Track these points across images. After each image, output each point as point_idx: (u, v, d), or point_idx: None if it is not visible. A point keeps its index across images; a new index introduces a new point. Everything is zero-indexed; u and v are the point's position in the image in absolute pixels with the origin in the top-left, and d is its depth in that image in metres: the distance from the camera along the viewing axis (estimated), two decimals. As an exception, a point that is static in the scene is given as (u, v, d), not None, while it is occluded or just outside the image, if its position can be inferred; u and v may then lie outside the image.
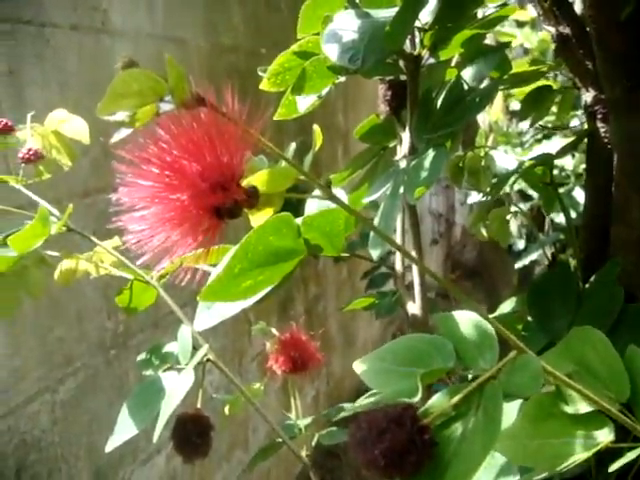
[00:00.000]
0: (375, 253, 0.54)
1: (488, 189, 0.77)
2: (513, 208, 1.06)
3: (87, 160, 1.18)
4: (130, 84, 0.32)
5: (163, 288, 0.77)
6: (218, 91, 0.35)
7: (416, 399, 0.37)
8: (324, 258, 2.25)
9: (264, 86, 0.63)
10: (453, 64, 0.66)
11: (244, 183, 0.36)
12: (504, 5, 0.61)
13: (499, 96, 1.13)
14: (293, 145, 0.42)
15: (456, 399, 0.37)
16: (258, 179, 0.38)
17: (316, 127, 0.42)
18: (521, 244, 1.80)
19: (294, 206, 0.68)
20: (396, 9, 0.49)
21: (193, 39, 1.54)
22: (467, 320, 0.42)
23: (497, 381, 0.37)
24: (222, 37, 1.66)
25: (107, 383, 1.30)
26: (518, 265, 1.76)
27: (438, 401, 0.38)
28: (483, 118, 1.77)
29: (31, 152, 0.79)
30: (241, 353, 1.74)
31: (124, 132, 0.36)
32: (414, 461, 0.34)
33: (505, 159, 0.87)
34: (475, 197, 0.95)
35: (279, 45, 0.65)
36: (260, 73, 0.65)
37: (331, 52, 0.48)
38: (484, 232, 0.77)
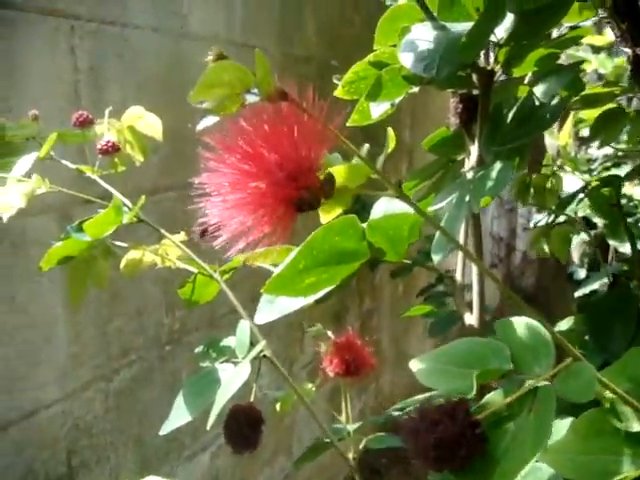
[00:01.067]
0: (437, 258, 0.55)
1: (553, 208, 0.78)
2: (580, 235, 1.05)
3: (157, 158, 1.23)
4: (221, 74, 0.34)
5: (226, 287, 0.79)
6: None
7: (470, 396, 0.39)
8: (381, 272, 2.26)
9: (338, 93, 0.65)
10: (526, 82, 0.67)
11: (322, 174, 0.38)
12: (575, 27, 0.62)
13: (568, 121, 1.13)
14: (366, 146, 0.44)
15: (510, 399, 0.38)
16: (334, 172, 0.40)
17: (390, 130, 0.44)
18: (582, 273, 1.77)
19: (364, 207, 0.70)
20: (472, 23, 0.51)
21: (267, 47, 1.58)
22: (525, 326, 0.43)
23: (551, 385, 0.38)
24: (295, 47, 1.70)
25: (160, 378, 1.34)
26: (577, 294, 1.74)
27: (492, 400, 0.39)
28: (551, 143, 1.76)
29: (109, 144, 0.83)
30: (292, 359, 1.76)
31: (211, 120, 0.38)
32: (464, 454, 0.36)
33: (572, 181, 0.87)
34: (538, 219, 0.95)
35: (350, 58, 0.67)
36: (335, 81, 0.67)
37: (407, 60, 0.49)
38: (545, 248, 0.78)
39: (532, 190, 0.78)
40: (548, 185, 0.78)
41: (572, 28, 0.65)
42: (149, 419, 1.31)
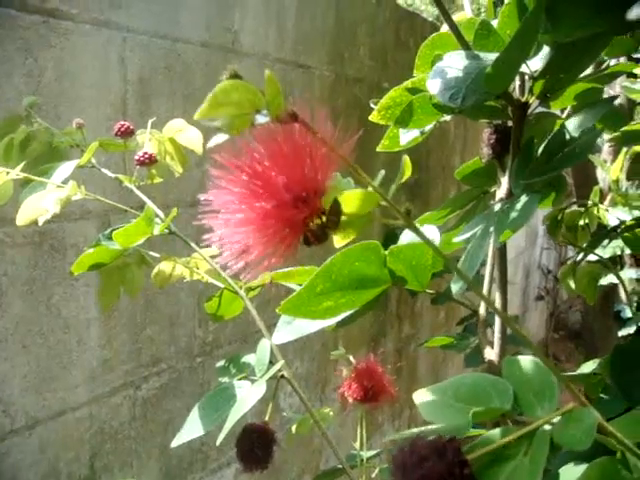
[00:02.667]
0: (455, 288, 0.55)
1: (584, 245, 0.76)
2: (627, 273, 1.02)
3: (199, 172, 1.24)
4: (230, 93, 0.35)
5: (256, 304, 0.80)
6: (336, 119, 0.37)
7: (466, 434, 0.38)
8: (422, 298, 2.25)
9: (373, 118, 0.65)
10: (564, 115, 0.66)
11: (326, 201, 0.38)
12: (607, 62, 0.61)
13: (621, 155, 1.11)
14: (382, 172, 0.44)
15: (505, 440, 0.38)
16: (341, 199, 0.40)
17: (405, 157, 0.43)
18: (629, 312, 1.72)
19: (396, 235, 0.70)
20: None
21: (318, 67, 1.59)
22: (532, 366, 0.42)
23: (547, 430, 0.37)
24: (347, 68, 1.71)
25: (188, 389, 1.35)
26: (622, 333, 1.69)
27: (486, 440, 0.39)
28: (603, 177, 1.73)
29: (146, 156, 0.85)
30: (325, 380, 1.76)
31: (220, 138, 0.39)
32: (451, 494, 0.35)
33: (622, 216, 0.84)
34: (570, 256, 0.92)
35: (403, 81, 0.67)
36: (372, 105, 0.67)
37: (434, 88, 0.49)
38: (572, 285, 0.76)
39: (563, 227, 0.76)
40: (581, 222, 0.77)
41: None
42: (175, 429, 1.31)
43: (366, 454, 0.76)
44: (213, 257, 0.84)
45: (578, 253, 0.79)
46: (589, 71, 0.63)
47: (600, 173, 1.78)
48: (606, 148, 2.16)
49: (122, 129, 0.85)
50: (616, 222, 0.83)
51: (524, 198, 0.53)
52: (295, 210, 0.37)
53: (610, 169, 1.14)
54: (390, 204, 0.40)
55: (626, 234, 0.72)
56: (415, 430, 0.39)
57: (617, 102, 2.11)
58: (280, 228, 0.37)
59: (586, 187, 1.30)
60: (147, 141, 0.88)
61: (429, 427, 0.40)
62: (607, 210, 0.86)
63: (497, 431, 0.39)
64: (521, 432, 0.38)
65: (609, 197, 1.12)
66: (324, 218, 0.38)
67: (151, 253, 0.86)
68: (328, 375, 1.76)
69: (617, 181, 1.10)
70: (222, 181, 0.38)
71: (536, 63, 0.56)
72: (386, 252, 0.59)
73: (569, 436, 0.37)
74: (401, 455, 0.36)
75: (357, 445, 0.76)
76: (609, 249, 0.82)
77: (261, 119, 0.37)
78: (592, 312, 1.98)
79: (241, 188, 0.38)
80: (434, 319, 2.44)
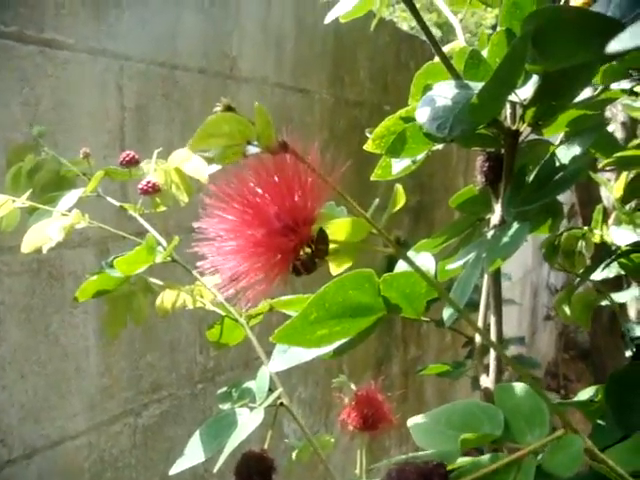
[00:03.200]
0: (447, 315, 0.56)
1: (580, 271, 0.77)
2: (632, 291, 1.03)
3: (199, 197, 1.26)
4: (221, 125, 0.36)
5: (258, 331, 0.81)
6: (337, 143, 0.39)
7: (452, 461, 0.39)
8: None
9: (368, 147, 0.67)
10: (556, 142, 0.67)
11: (316, 229, 0.40)
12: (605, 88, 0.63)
13: (623, 174, 1.12)
14: (377, 201, 0.45)
15: (494, 467, 0.39)
16: (332, 227, 0.42)
17: (398, 186, 0.45)
18: (637, 330, 1.73)
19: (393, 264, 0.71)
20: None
21: (318, 91, 1.62)
22: (523, 393, 0.44)
23: (534, 457, 0.38)
24: (347, 91, 1.74)
25: (190, 416, 1.35)
26: (629, 353, 1.69)
27: (475, 466, 0.40)
28: (607, 195, 1.74)
29: (149, 184, 0.87)
30: (329, 405, 1.76)
31: (214, 167, 0.41)
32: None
33: (626, 235, 0.85)
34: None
35: (404, 103, 0.69)
36: (367, 134, 0.69)
37: (422, 117, 0.51)
38: (568, 313, 0.77)
39: (560, 253, 0.77)
40: (578, 247, 0.78)
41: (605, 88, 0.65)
42: (176, 457, 1.32)
43: (365, 481, 0.77)
44: (216, 286, 0.85)
45: (574, 280, 0.80)
46: (584, 96, 0.65)
47: (604, 191, 1.80)
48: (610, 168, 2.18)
49: (127, 158, 0.88)
50: (622, 242, 0.83)
51: (515, 225, 0.55)
52: (285, 238, 0.38)
53: (613, 188, 1.15)
54: (380, 232, 0.42)
55: (622, 260, 0.73)
56: (404, 457, 0.40)
57: (620, 121, 2.12)
58: (271, 256, 0.39)
59: (590, 206, 1.31)
60: (152, 170, 0.90)
61: (419, 453, 0.41)
62: (608, 230, 0.87)
63: (486, 457, 0.40)
64: (510, 458, 0.39)
65: (613, 215, 1.13)
66: (313, 247, 0.40)
67: (153, 280, 0.87)
68: (332, 400, 1.76)
69: (620, 200, 1.11)
70: (215, 210, 0.40)
71: (526, 91, 0.57)
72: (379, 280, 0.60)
73: (557, 462, 0.38)
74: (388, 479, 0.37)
75: (357, 472, 0.76)
76: (613, 268, 0.83)
77: (252, 149, 0.38)
78: (600, 331, 1.99)
79: (233, 216, 0.39)
80: (440, 341, 2.45)
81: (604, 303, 1.14)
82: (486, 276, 0.73)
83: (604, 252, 0.75)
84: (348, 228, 0.42)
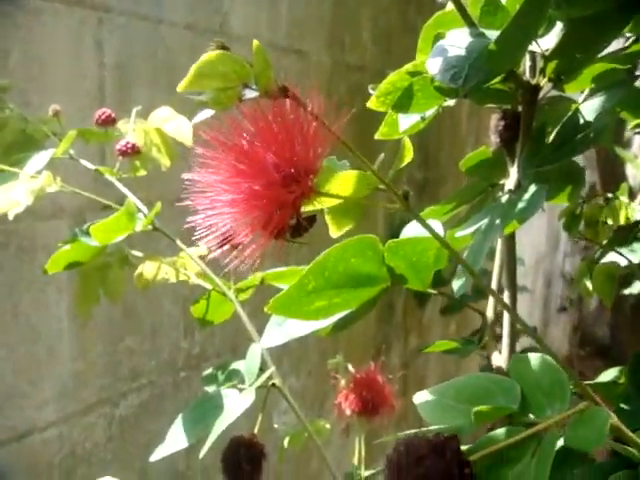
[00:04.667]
0: (457, 285, 0.56)
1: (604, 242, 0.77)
2: None
3: (186, 165, 1.26)
4: (215, 65, 0.36)
5: (247, 311, 0.80)
6: (337, 110, 0.39)
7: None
8: (431, 309, 2.25)
9: (372, 105, 0.66)
10: (580, 99, 0.67)
11: (322, 187, 0.40)
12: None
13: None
14: (382, 156, 0.45)
15: (510, 441, 0.39)
16: (336, 181, 0.42)
17: (406, 139, 0.45)
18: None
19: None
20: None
21: (316, 53, 1.61)
22: (541, 365, 0.44)
23: (556, 431, 0.39)
24: (347, 54, 1.73)
25: (172, 406, 1.35)
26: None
27: (490, 440, 0.40)
28: (634, 173, 1.74)
29: (129, 145, 0.86)
30: (324, 395, 1.76)
31: (206, 113, 0.40)
32: (450, 495, 0.36)
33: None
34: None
35: None
36: (370, 91, 0.69)
37: (433, 68, 0.50)
38: (589, 287, 0.77)
39: (582, 222, 0.77)
40: (602, 217, 0.78)
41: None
42: (156, 451, 1.32)
43: (364, 472, 0.77)
44: (201, 257, 0.85)
45: (597, 251, 0.80)
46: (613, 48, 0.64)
47: (630, 169, 1.79)
48: (637, 142, 2.16)
49: (103, 117, 0.87)
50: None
51: (532, 188, 0.55)
52: (285, 189, 0.38)
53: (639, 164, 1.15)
54: (388, 186, 0.42)
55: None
56: (413, 431, 0.40)
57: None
58: (269, 210, 0.39)
59: (614, 185, 1.31)
60: (131, 131, 0.89)
61: (428, 428, 0.41)
62: (634, 209, 0.87)
63: (501, 431, 0.40)
64: (528, 432, 0.39)
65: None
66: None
67: (134, 252, 0.87)
68: (328, 389, 1.76)
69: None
70: (208, 160, 0.40)
71: (548, 41, 0.57)
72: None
73: (580, 436, 0.39)
74: (396, 454, 0.37)
75: (355, 461, 0.77)
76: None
77: (249, 93, 0.38)
78: (622, 324, 1.99)
79: (228, 168, 0.39)
80: (444, 331, 2.45)
81: (627, 292, 1.13)
82: (497, 257, 0.73)
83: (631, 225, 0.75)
84: (353, 182, 0.42)
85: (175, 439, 0.71)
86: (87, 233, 0.78)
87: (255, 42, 0.36)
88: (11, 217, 0.74)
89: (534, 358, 0.44)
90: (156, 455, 0.70)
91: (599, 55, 0.61)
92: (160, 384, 1.34)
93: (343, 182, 0.42)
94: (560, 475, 0.52)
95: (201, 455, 0.64)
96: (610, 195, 0.83)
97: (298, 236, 0.42)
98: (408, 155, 0.46)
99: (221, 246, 0.40)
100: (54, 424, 1.15)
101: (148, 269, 0.87)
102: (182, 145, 0.91)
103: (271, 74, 0.37)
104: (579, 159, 0.69)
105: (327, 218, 0.48)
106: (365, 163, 0.40)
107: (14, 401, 1.07)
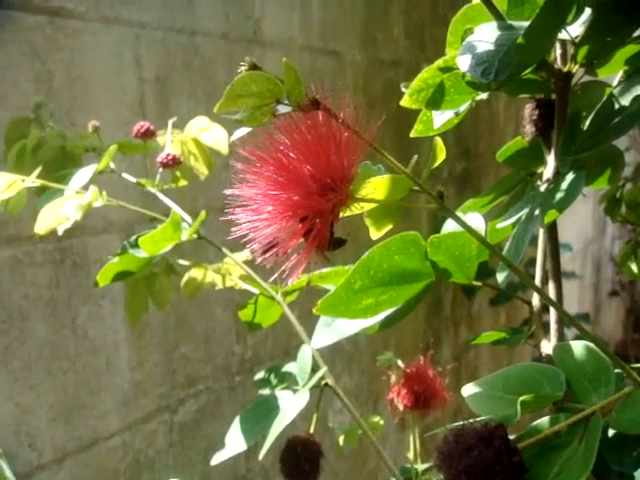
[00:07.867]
0: (501, 277, 0.57)
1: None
2: None
3: (228, 174, 1.28)
4: (249, 85, 0.38)
5: (297, 314, 0.82)
6: (374, 107, 0.40)
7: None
8: (480, 300, 2.25)
9: (404, 103, 0.67)
10: (615, 83, 0.67)
11: (358, 192, 0.41)
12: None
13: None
14: (415, 158, 0.46)
15: (557, 427, 0.40)
16: (372, 185, 0.43)
17: (438, 139, 0.46)
18: None
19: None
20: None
21: (349, 52, 1.62)
22: (585, 352, 0.45)
23: (601, 416, 0.40)
24: (381, 51, 1.74)
25: (229, 410, 1.38)
26: None
27: (537, 427, 0.41)
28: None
29: (169, 157, 0.88)
30: (377, 394, 1.78)
31: (243, 131, 0.42)
32: (500, 482, 0.37)
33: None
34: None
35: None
36: (403, 89, 0.70)
37: (464, 64, 0.51)
38: (634, 269, 0.77)
39: (623, 206, 0.77)
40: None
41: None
42: (216, 455, 1.35)
43: (420, 467, 0.78)
44: (246, 262, 0.87)
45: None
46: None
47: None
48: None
49: (142, 130, 0.89)
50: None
51: (571, 176, 0.55)
52: (323, 198, 0.40)
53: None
54: (422, 188, 0.43)
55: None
56: (460, 423, 0.41)
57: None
58: (310, 218, 0.40)
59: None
60: (169, 142, 0.91)
61: (476, 419, 0.43)
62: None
63: (546, 419, 0.42)
64: (575, 418, 0.40)
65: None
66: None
67: (180, 262, 0.89)
68: (380, 388, 1.78)
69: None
70: (247, 175, 0.41)
71: (577, 27, 0.58)
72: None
73: (627, 420, 0.40)
74: (446, 445, 0.38)
75: (411, 456, 0.78)
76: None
77: (282, 109, 0.40)
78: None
79: (267, 181, 0.41)
80: (494, 322, 2.45)
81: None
82: (540, 245, 0.74)
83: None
84: (387, 185, 0.43)
85: (234, 442, 0.73)
86: (136, 245, 0.81)
87: (284, 60, 0.38)
88: (60, 232, 0.77)
89: (578, 346, 0.45)
90: (217, 459, 0.72)
91: (631, 36, 0.61)
92: (216, 389, 1.36)
93: (378, 186, 0.43)
94: (618, 458, 0.53)
95: (260, 456, 0.66)
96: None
97: (337, 248, 0.43)
98: (441, 155, 0.47)
99: (265, 253, 0.41)
100: (117, 433, 1.18)
101: (194, 276, 0.90)
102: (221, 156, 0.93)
103: (302, 89, 0.39)
104: (622, 140, 0.69)
105: (366, 221, 0.49)
106: (399, 167, 0.41)
107: (78, 412, 1.11)
